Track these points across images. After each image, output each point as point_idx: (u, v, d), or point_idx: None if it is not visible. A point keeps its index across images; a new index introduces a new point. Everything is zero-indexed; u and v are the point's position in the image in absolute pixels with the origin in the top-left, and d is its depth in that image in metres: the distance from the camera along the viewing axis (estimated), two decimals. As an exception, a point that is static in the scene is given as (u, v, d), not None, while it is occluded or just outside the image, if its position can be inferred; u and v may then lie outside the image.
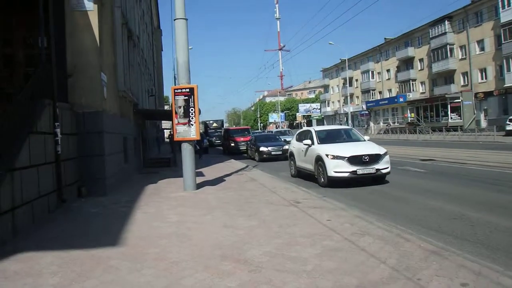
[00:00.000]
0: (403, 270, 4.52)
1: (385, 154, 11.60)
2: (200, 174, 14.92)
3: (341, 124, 70.81)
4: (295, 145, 14.71)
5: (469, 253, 5.26)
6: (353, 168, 11.11)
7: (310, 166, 12.75)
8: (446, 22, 46.46)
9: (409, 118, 52.43)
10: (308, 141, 13.03)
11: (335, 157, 11.30)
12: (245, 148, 28.47)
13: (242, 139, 30.37)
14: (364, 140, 12.90)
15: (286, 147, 20.76)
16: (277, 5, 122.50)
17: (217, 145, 44.28)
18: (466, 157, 17.55)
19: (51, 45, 9.02)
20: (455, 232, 6.50)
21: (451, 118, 45.16)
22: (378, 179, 11.61)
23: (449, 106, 45.59)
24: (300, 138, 14.27)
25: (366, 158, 11.22)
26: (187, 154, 11.45)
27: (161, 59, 48.73)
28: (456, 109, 45.17)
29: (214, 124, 55.46)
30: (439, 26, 47.56)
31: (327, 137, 13.21)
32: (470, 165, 14.69)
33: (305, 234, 6.22)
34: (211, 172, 16.42)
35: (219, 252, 5.46)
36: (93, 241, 6.30)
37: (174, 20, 11.60)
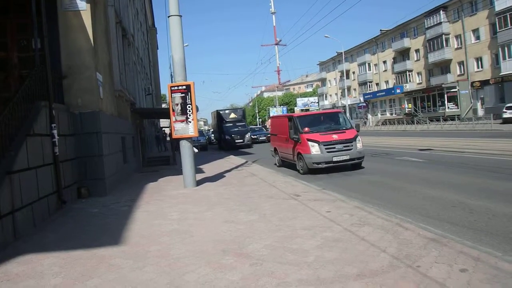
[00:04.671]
0: (403, 258, 4.55)
1: None
2: (200, 171, 14.94)
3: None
4: None
5: (469, 239, 5.29)
6: None
7: None
8: (441, 12, 46.33)
9: (406, 109, 52.43)
10: None
11: None
12: (347, 158, 13.07)
13: (335, 137, 13.32)
14: None
15: None
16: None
17: (239, 145, 33.53)
18: (464, 145, 17.59)
19: (45, 46, 8.97)
20: (454, 219, 6.53)
21: (448, 107, 45.12)
22: None
23: (446, 95, 45.56)
24: None
25: None
26: (186, 151, 11.45)
27: (157, 57, 48.42)
28: (453, 99, 45.13)
29: (232, 115, 37.19)
30: (434, 16, 47.45)
31: None
32: (468, 154, 14.72)
33: (305, 226, 6.25)
34: (211, 168, 16.45)
35: (221, 247, 5.48)
36: (94, 241, 6.32)
37: (168, 17, 11.60)
